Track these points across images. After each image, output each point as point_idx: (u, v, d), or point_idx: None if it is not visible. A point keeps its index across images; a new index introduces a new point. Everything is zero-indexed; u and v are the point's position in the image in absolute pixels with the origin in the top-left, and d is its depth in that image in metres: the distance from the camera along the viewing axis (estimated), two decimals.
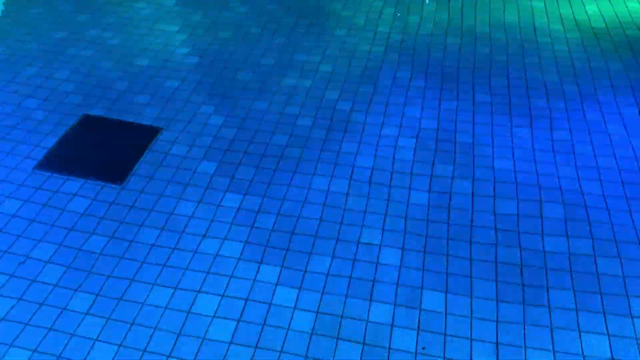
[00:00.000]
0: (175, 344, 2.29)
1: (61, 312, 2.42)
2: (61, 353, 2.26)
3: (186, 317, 2.40)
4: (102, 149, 3.29)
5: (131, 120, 3.52)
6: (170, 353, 2.26)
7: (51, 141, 3.35)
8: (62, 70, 4.01)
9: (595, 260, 2.60)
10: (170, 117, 3.54)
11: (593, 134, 3.36)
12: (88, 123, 3.50)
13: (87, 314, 2.41)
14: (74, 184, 3.05)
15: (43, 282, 2.54)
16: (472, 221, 2.81)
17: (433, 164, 3.15)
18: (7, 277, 2.56)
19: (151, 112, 3.59)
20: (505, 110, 3.56)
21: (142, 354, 2.26)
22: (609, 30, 4.46)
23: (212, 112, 3.59)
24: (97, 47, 4.28)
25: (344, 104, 3.66)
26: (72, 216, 2.86)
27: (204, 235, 2.76)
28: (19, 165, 3.17)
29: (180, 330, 2.35)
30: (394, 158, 3.20)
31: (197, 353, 2.26)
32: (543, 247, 2.67)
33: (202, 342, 2.30)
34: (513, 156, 3.19)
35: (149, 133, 3.41)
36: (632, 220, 2.79)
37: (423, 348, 2.26)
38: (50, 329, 2.36)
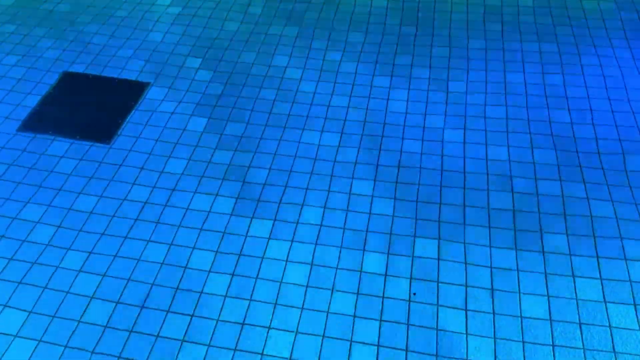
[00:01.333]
0: (172, 299, 2.31)
1: (55, 270, 2.42)
2: (56, 312, 2.28)
3: (183, 272, 2.41)
4: (87, 107, 3.20)
5: (114, 75, 3.42)
6: (169, 308, 2.28)
7: (33, 100, 3.26)
8: (40, 26, 3.85)
9: (589, 202, 2.62)
10: (157, 72, 3.43)
11: (587, 77, 3.31)
12: (69, 81, 3.39)
13: (80, 271, 2.41)
14: (61, 144, 2.99)
15: (34, 242, 2.53)
16: (464, 168, 2.80)
17: (425, 115, 3.11)
18: None
19: (135, 66, 3.48)
20: (499, 56, 3.49)
21: (141, 310, 2.28)
22: None
23: (198, 66, 3.48)
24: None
25: (333, 54, 3.56)
26: (60, 177, 2.82)
27: (195, 192, 2.74)
28: (0, 127, 3.09)
29: (178, 285, 2.36)
30: (386, 110, 3.15)
31: (195, 307, 2.28)
32: (537, 191, 2.67)
33: (199, 296, 2.32)
34: (506, 103, 3.15)
35: (135, 89, 3.31)
36: (625, 162, 2.79)
37: (414, 294, 2.30)
38: (44, 287, 2.36)
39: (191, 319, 2.25)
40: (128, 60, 3.53)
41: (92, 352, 2.15)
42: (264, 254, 2.47)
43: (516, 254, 2.43)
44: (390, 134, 2.99)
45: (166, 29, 3.79)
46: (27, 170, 2.86)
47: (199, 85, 3.34)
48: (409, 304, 2.28)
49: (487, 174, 2.77)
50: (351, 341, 2.17)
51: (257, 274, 2.39)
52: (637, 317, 2.21)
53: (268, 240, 2.52)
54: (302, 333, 2.20)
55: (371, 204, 2.66)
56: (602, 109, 3.09)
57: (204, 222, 2.60)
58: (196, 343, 2.17)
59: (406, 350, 2.14)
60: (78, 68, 3.48)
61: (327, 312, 2.26)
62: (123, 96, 3.27)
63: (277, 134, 3.02)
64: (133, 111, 3.17)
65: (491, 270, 2.38)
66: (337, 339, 2.18)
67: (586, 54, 3.48)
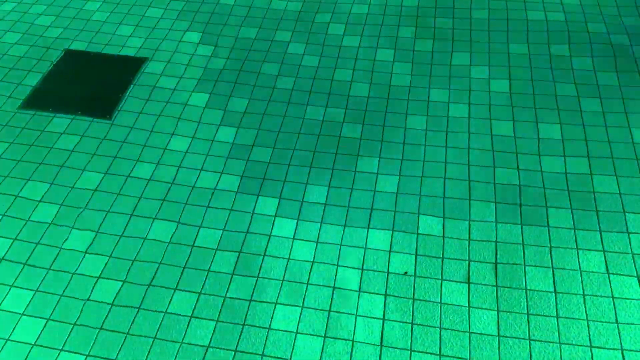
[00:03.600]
0: (180, 276, 2.34)
1: (59, 251, 2.44)
2: (64, 292, 2.30)
3: (190, 251, 2.42)
4: (87, 84, 3.18)
5: (114, 52, 3.38)
6: (176, 286, 2.31)
7: (35, 78, 3.23)
8: (38, 4, 3.79)
9: (592, 178, 2.62)
10: (155, 48, 3.39)
11: (594, 44, 3.26)
12: (71, 58, 3.35)
13: (86, 252, 2.43)
14: (61, 121, 2.98)
15: (37, 222, 2.54)
16: (468, 144, 2.78)
17: (429, 89, 3.08)
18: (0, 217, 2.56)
19: (135, 42, 3.43)
20: (502, 26, 3.43)
21: (147, 288, 2.31)
22: None
23: (198, 41, 3.44)
24: None
25: (335, 27, 3.50)
26: (62, 154, 2.82)
27: (201, 170, 2.74)
28: (1, 106, 3.08)
29: (185, 263, 2.38)
30: (390, 84, 3.12)
31: (203, 283, 2.31)
32: (541, 167, 2.67)
33: (207, 274, 2.35)
34: (510, 77, 3.11)
35: (134, 64, 3.28)
36: (632, 137, 2.78)
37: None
38: (49, 269, 2.38)
39: (199, 296, 2.28)
40: (128, 38, 3.48)
41: (100, 329, 2.19)
42: (271, 231, 2.48)
43: (521, 229, 2.45)
44: (394, 110, 2.97)
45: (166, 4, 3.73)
46: (27, 147, 2.85)
47: (199, 60, 3.30)
48: (414, 279, 2.30)
49: (493, 151, 2.76)
50: (356, 315, 2.20)
51: (265, 252, 2.41)
52: None
53: (274, 218, 2.53)
54: (308, 307, 2.23)
55: (376, 181, 2.66)
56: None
57: (209, 200, 2.61)
58: (204, 319, 2.21)
59: (412, 323, 2.17)
60: (79, 45, 3.44)
61: (333, 287, 2.29)
62: (122, 72, 3.23)
63: (281, 110, 3.00)
64: (132, 86, 3.15)
65: (496, 245, 2.40)
66: (344, 313, 2.21)
67: (593, 21, 3.42)
